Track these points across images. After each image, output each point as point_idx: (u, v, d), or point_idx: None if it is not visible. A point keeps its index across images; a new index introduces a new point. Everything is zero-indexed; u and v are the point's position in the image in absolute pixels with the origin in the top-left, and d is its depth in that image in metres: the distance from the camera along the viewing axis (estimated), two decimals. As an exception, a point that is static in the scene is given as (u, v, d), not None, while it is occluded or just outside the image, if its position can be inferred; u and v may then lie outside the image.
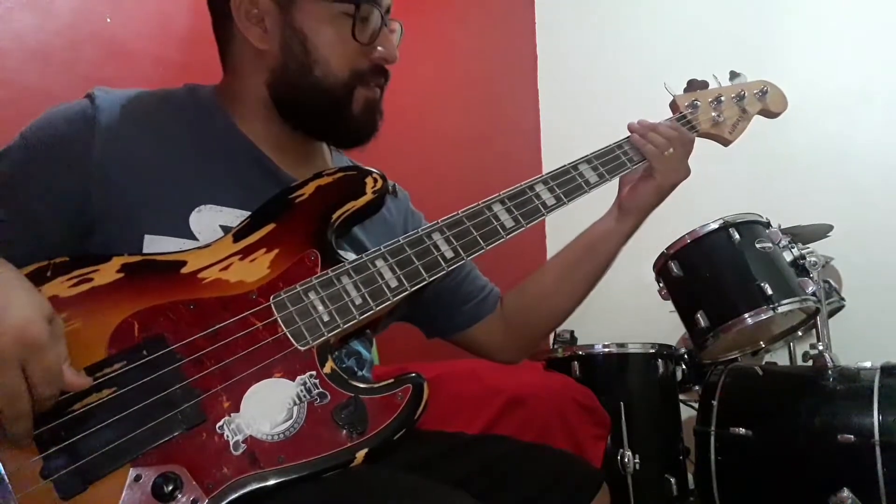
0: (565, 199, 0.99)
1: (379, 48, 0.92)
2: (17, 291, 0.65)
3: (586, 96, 3.11)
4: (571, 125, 3.03)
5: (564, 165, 1.02)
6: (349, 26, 0.88)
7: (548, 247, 2.96)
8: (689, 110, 1.15)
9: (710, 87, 1.19)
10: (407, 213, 1.12)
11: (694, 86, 1.18)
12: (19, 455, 0.64)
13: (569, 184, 1.00)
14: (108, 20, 1.58)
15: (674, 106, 1.18)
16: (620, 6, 3.13)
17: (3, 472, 0.62)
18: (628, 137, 1.10)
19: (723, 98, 1.18)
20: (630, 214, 1.10)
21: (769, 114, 1.24)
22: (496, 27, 3.12)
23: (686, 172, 1.11)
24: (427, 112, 2.54)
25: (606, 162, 1.05)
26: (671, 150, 1.08)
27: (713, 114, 1.16)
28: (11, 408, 0.62)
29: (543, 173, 1.00)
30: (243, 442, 0.70)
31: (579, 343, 2.35)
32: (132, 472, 0.66)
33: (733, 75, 1.22)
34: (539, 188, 0.98)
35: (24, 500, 0.62)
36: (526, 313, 1.13)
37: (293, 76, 0.90)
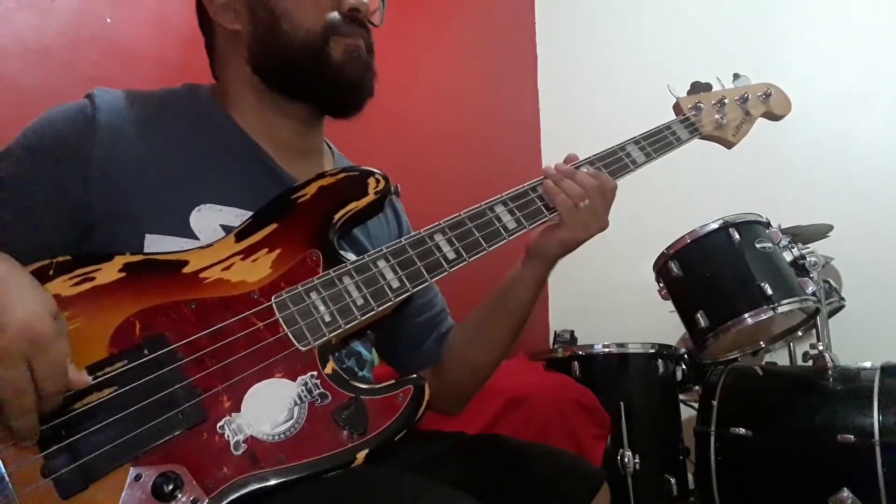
0: None
1: None
2: (22, 287, 0.65)
3: (586, 96, 3.11)
4: (571, 125, 3.04)
5: None
6: None
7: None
8: (693, 112, 1.15)
9: (713, 90, 1.19)
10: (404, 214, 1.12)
11: (697, 88, 1.18)
12: (20, 453, 0.64)
13: None
14: (108, 20, 1.58)
15: (677, 108, 1.17)
16: (620, 7, 3.13)
17: (3, 470, 0.62)
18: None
19: (726, 100, 1.18)
20: (536, 259, 1.01)
21: (773, 116, 1.24)
22: (496, 27, 3.12)
23: (600, 226, 0.99)
24: (427, 112, 2.54)
25: (610, 163, 1.03)
26: (586, 201, 0.96)
27: (716, 116, 1.16)
28: (17, 403, 0.62)
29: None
30: (244, 442, 0.70)
31: (579, 343, 2.36)
32: (132, 472, 0.66)
33: (737, 77, 1.22)
34: (542, 190, 0.97)
35: (25, 498, 0.62)
36: (450, 367, 1.06)
37: (265, 40, 0.90)
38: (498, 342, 1.04)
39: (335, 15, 0.90)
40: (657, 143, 1.08)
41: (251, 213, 0.84)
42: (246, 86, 0.93)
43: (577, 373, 2.02)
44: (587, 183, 0.97)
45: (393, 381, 0.79)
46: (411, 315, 1.06)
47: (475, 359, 1.06)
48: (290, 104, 0.94)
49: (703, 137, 1.16)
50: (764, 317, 1.70)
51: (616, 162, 1.04)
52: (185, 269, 0.77)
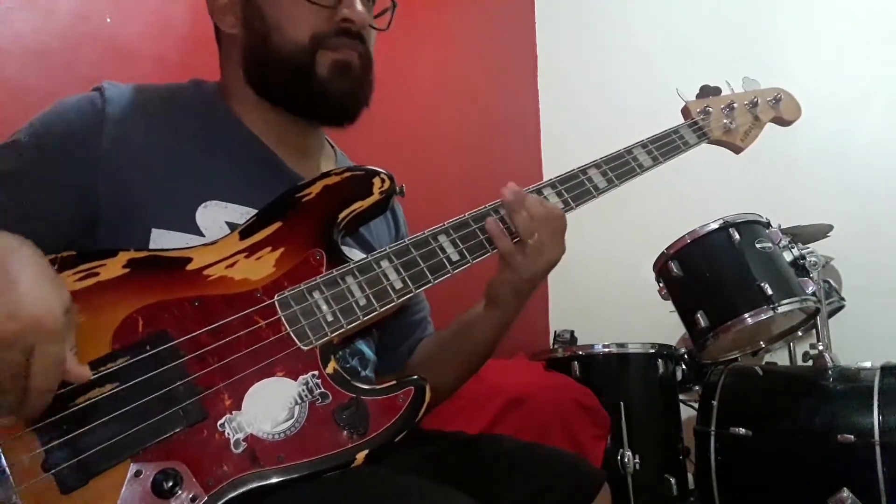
0: (573, 205, 0.97)
1: (344, 10, 0.89)
2: (41, 278, 0.64)
3: (586, 97, 3.11)
4: (571, 126, 3.04)
5: (573, 170, 1.00)
6: None
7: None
8: (701, 116, 1.14)
9: (722, 94, 1.18)
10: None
11: (706, 92, 1.17)
12: (21, 447, 0.64)
13: (577, 188, 0.98)
14: (108, 20, 1.58)
15: (685, 112, 1.16)
16: (620, 7, 3.13)
17: (4, 464, 0.62)
18: (642, 141, 1.06)
19: (735, 105, 1.17)
20: (495, 306, 0.96)
21: (782, 122, 1.23)
22: (496, 27, 3.12)
23: (550, 259, 0.91)
24: (427, 113, 2.54)
25: (617, 167, 1.02)
26: (535, 236, 0.89)
27: (725, 120, 1.15)
28: (8, 383, 0.61)
29: (545, 176, 0.99)
30: (244, 440, 0.70)
31: (579, 343, 2.35)
32: (133, 468, 0.66)
33: (746, 82, 1.21)
34: (546, 192, 0.96)
35: (25, 492, 0.62)
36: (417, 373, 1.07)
37: (256, 50, 0.91)
38: (456, 370, 1.02)
39: (323, 28, 0.89)
40: (665, 147, 1.07)
41: (256, 211, 0.84)
42: (242, 88, 0.93)
43: (577, 373, 2.02)
44: (538, 213, 0.89)
45: (394, 382, 0.79)
46: (398, 316, 1.03)
47: (435, 375, 0.96)
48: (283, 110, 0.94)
49: (712, 142, 1.16)
50: (764, 317, 1.70)
51: (623, 166, 1.03)
52: (189, 266, 0.77)
